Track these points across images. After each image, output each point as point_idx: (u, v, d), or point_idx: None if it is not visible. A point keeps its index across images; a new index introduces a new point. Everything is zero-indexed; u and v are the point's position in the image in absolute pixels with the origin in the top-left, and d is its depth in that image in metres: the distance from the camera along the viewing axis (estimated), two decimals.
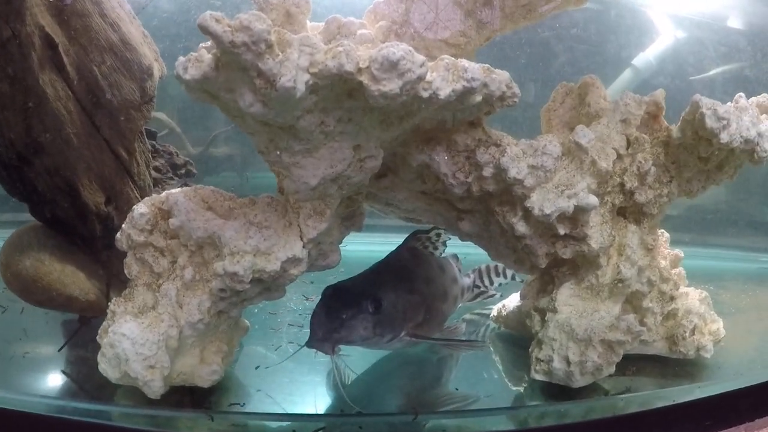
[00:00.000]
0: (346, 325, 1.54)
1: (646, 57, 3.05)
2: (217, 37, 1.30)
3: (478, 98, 1.46)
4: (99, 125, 1.73)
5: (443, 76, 1.40)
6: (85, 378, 1.74)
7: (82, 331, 1.83)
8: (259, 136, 1.50)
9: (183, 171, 2.17)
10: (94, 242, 1.77)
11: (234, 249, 1.53)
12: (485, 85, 1.46)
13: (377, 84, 1.34)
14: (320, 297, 1.59)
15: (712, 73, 3.03)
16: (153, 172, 2.02)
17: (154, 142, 2.13)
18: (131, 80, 1.78)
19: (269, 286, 1.62)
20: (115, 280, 1.77)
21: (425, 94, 1.38)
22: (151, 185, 1.89)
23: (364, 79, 1.34)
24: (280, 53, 1.32)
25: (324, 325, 1.54)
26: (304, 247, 1.55)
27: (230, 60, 1.35)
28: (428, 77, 1.38)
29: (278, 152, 1.50)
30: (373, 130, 1.50)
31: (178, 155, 2.18)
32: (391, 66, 1.32)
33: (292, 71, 1.31)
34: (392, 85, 1.34)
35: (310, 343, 1.54)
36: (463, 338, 1.80)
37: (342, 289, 1.62)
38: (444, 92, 1.39)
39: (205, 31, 1.31)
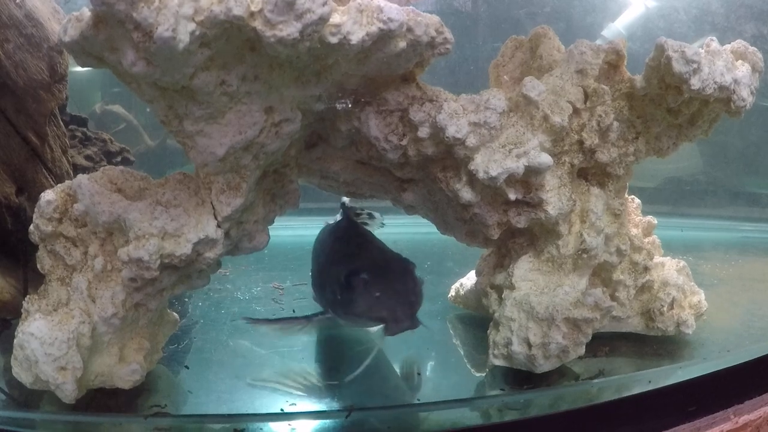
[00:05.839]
0: (419, 293, 1.30)
1: (615, 27, 2.71)
2: None
3: (402, 44, 1.15)
4: (4, 108, 1.43)
5: (355, 19, 1.09)
6: (12, 385, 1.45)
7: (4, 335, 1.53)
8: (157, 103, 1.20)
9: (119, 159, 1.87)
10: (7, 236, 1.48)
11: (139, 232, 1.23)
12: (409, 29, 1.15)
13: (273, 29, 1.04)
14: (358, 281, 1.27)
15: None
16: (84, 161, 1.73)
17: (85, 129, 1.84)
18: (39, 59, 1.49)
19: (188, 272, 1.33)
20: (34, 276, 1.47)
21: (334, 40, 1.08)
22: (71, 172, 1.59)
23: (258, 24, 1.04)
24: (157, 0, 1.02)
25: (407, 301, 1.26)
26: (219, 226, 1.25)
27: (107, 14, 1.05)
28: (337, 20, 1.08)
29: (179, 120, 1.19)
30: (286, 89, 1.20)
31: (112, 142, 1.88)
32: (287, 6, 1.02)
33: (171, 20, 1.02)
34: (290, 29, 1.04)
35: (403, 326, 1.24)
36: None
37: (379, 265, 1.34)
38: (356, 37, 1.09)
39: None
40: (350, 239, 1.52)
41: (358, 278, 1.27)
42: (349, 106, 1.23)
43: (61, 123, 1.58)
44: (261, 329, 1.60)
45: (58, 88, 1.52)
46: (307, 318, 1.47)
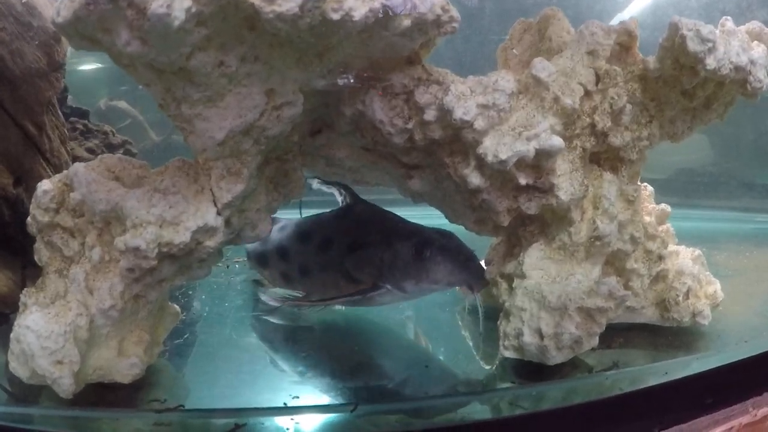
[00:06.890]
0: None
1: (623, 18, 2.64)
2: None
3: (407, 23, 1.09)
4: (1, 97, 1.39)
5: None
6: (12, 381, 1.40)
7: (2, 330, 1.48)
8: (155, 86, 1.15)
9: (121, 151, 1.82)
10: (5, 228, 1.43)
11: (136, 220, 1.19)
12: (414, 6, 1.09)
13: (271, 4, 0.99)
14: (433, 250, 1.35)
15: None
16: (85, 153, 1.68)
17: (86, 122, 1.80)
18: (35, 47, 1.44)
19: (188, 262, 1.27)
20: (33, 269, 1.42)
21: (336, 16, 1.03)
22: (70, 163, 1.54)
23: (256, 0, 0.98)
24: None
25: (477, 262, 1.38)
26: (219, 213, 1.20)
27: None
28: None
29: (177, 103, 1.14)
30: (288, 70, 1.14)
31: (114, 134, 1.83)
32: None
33: None
34: (289, 5, 0.99)
35: (484, 283, 1.38)
36: None
37: (435, 236, 1.40)
38: (359, 13, 1.03)
39: None
40: (381, 218, 1.50)
41: (432, 248, 1.33)
42: (351, 81, 1.18)
43: (60, 113, 1.54)
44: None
45: (56, 77, 1.48)
46: (358, 294, 1.41)
